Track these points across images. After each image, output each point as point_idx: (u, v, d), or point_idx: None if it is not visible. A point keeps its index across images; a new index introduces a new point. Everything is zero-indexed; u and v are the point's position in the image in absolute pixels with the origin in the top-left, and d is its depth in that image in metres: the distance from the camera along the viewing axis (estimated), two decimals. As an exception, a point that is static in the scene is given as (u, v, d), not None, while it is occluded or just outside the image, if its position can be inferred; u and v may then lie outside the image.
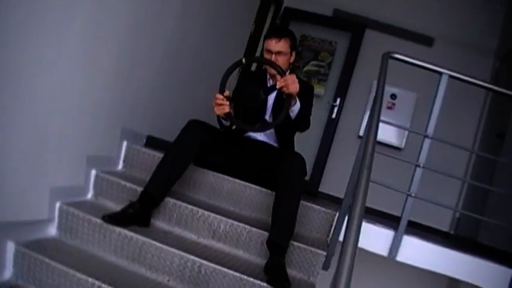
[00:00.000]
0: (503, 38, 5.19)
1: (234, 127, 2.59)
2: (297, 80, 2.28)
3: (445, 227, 5.07)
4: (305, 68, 5.52)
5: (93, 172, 2.51)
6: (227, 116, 2.38)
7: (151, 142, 3.02)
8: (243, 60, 2.36)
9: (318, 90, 5.45)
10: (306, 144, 5.06)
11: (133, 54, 2.68)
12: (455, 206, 5.01)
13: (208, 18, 3.60)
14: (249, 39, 4.75)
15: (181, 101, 3.48)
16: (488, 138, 4.92)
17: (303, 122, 2.52)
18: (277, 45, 2.53)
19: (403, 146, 5.34)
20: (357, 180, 1.65)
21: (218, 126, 2.57)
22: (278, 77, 2.32)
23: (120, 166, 2.78)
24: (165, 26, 2.97)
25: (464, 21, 5.33)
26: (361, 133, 5.41)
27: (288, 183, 2.24)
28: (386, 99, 5.44)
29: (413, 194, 2.68)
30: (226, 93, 2.35)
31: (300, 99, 2.40)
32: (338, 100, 5.40)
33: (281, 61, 2.53)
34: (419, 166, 2.69)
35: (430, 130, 2.71)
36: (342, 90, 5.42)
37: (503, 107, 4.42)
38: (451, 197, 5.06)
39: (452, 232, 5.04)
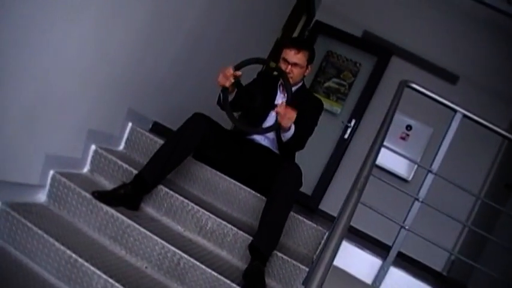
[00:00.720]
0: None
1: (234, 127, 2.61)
2: (294, 114, 2.25)
3: (438, 267, 4.98)
4: (326, 84, 5.49)
5: (93, 147, 2.49)
6: (224, 90, 2.38)
7: (157, 128, 3.01)
8: (271, 63, 2.40)
9: (335, 108, 5.42)
10: (314, 158, 5.04)
11: (153, 34, 2.65)
12: (453, 248, 4.91)
13: (236, 15, 3.59)
14: (274, 44, 4.73)
15: (194, 92, 3.47)
16: (496, 186, 4.83)
17: (294, 144, 2.51)
18: (295, 57, 2.52)
19: (410, 178, 5.27)
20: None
21: (223, 125, 2.57)
22: (283, 101, 2.35)
23: (121, 147, 2.77)
24: (189, 13, 2.94)
25: (491, 66, 5.26)
26: (370, 158, 5.35)
27: (281, 191, 2.21)
28: (402, 129, 5.38)
29: (407, 227, 2.63)
30: (238, 73, 2.33)
31: (303, 117, 2.39)
32: (353, 121, 5.36)
33: (296, 73, 2.54)
34: (418, 200, 2.64)
35: (436, 166, 2.67)
36: (358, 112, 5.38)
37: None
38: (449, 237, 4.96)
39: (444, 273, 4.95)
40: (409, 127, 5.38)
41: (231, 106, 2.43)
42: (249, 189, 2.58)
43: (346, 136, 5.36)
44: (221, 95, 2.42)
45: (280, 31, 4.79)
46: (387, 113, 2.48)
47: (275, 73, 2.65)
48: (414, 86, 2.73)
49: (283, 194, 2.21)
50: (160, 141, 2.64)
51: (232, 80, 2.31)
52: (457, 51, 5.36)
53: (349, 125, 5.36)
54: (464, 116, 2.70)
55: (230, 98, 2.43)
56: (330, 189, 5.39)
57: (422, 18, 5.45)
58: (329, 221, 5.18)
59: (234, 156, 2.57)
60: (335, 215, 5.30)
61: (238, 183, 2.60)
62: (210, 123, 2.43)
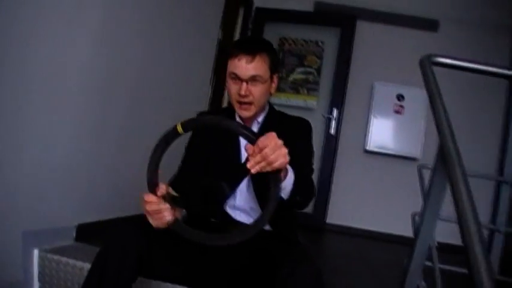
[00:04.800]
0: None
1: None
2: (280, 142, 1.19)
3: None
4: (290, 78, 4.55)
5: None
6: (175, 225, 1.30)
7: (86, 232, 2.06)
8: (178, 128, 1.27)
9: (310, 102, 4.51)
10: (303, 170, 4.12)
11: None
12: None
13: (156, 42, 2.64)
14: (217, 49, 3.75)
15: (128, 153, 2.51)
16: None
17: (304, 194, 1.46)
18: (250, 67, 1.52)
19: (419, 156, 4.40)
20: None
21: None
22: (248, 146, 1.21)
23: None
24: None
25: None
26: (368, 146, 4.48)
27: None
28: (393, 101, 4.51)
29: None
30: (162, 189, 1.27)
31: (295, 153, 1.43)
32: (335, 111, 4.45)
33: (257, 94, 1.54)
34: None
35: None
36: (338, 98, 4.47)
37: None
38: None
39: None
40: (400, 97, 4.50)
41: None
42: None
43: (332, 131, 4.45)
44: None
45: (219, 32, 3.82)
46: (434, 109, 1.48)
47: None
48: (443, 60, 1.71)
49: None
50: (88, 265, 1.66)
51: (166, 205, 1.27)
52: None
53: (331, 116, 4.45)
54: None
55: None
56: (332, 197, 4.50)
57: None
58: (341, 234, 4.34)
59: (200, 264, 1.57)
60: (348, 224, 4.55)
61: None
62: (143, 230, 1.43)
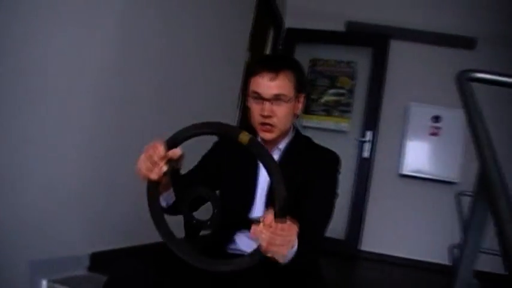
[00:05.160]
0: None
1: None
2: (289, 236, 1.07)
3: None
4: (322, 100, 4.44)
5: None
6: (151, 186, 1.18)
7: (100, 261, 1.96)
8: (242, 135, 1.12)
9: (342, 124, 4.38)
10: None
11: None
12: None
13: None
14: (245, 73, 3.68)
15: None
16: None
17: (305, 258, 1.22)
18: (273, 85, 1.40)
19: (457, 180, 4.17)
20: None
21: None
22: (253, 228, 1.06)
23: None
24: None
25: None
26: (403, 170, 4.29)
27: None
28: (428, 123, 4.32)
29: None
30: (176, 152, 1.19)
31: (308, 193, 1.32)
32: (368, 134, 4.29)
33: (281, 115, 1.40)
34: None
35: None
36: (371, 120, 4.32)
37: None
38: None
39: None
40: (436, 118, 4.31)
41: (170, 211, 1.38)
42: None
43: (365, 154, 4.28)
44: (147, 195, 1.20)
45: (247, 55, 3.76)
46: (472, 126, 1.34)
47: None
48: (481, 75, 1.55)
49: None
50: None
51: (164, 168, 1.20)
52: (468, 10, 4.34)
53: (364, 139, 4.29)
54: None
55: (165, 200, 1.36)
56: (366, 223, 4.30)
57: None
58: (375, 261, 4.13)
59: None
60: (382, 251, 4.33)
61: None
62: (152, 265, 1.32)
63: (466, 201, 2.58)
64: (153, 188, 1.18)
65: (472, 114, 1.29)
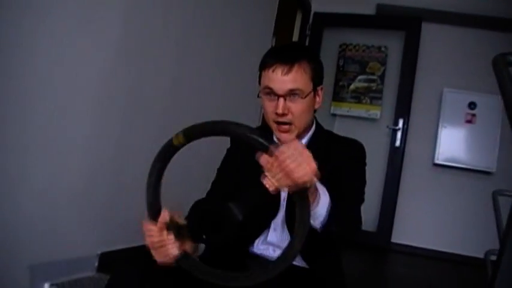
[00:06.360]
0: None
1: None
2: (305, 151, 0.92)
3: None
4: (351, 86, 4.27)
5: None
6: (182, 261, 1.01)
7: (110, 260, 1.88)
8: (175, 140, 0.96)
9: (373, 112, 4.22)
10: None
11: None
12: None
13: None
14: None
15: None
16: None
17: (343, 225, 1.16)
18: (287, 79, 1.23)
19: (494, 169, 4.00)
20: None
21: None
22: (262, 157, 0.93)
23: None
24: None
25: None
26: (436, 160, 4.14)
27: None
28: (464, 110, 4.14)
29: None
30: (164, 215, 1.02)
31: (336, 180, 1.15)
32: (400, 122, 4.13)
33: (298, 112, 1.24)
34: None
35: None
36: (403, 108, 4.15)
37: None
38: None
39: None
40: (472, 105, 4.13)
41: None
42: None
43: (397, 143, 4.13)
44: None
45: (272, 39, 3.57)
46: (508, 109, 1.18)
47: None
48: None
49: None
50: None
51: (171, 236, 1.00)
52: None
53: (396, 128, 4.13)
54: None
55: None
56: (398, 215, 4.17)
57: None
58: (407, 254, 4.01)
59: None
60: (415, 244, 4.20)
61: None
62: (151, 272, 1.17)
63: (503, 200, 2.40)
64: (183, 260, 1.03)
65: (510, 101, 1.13)
